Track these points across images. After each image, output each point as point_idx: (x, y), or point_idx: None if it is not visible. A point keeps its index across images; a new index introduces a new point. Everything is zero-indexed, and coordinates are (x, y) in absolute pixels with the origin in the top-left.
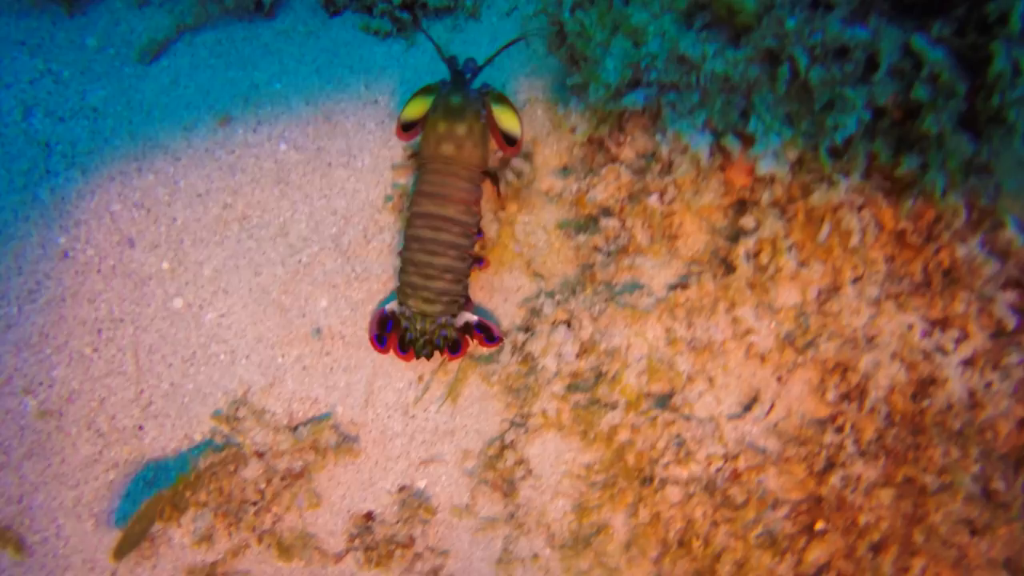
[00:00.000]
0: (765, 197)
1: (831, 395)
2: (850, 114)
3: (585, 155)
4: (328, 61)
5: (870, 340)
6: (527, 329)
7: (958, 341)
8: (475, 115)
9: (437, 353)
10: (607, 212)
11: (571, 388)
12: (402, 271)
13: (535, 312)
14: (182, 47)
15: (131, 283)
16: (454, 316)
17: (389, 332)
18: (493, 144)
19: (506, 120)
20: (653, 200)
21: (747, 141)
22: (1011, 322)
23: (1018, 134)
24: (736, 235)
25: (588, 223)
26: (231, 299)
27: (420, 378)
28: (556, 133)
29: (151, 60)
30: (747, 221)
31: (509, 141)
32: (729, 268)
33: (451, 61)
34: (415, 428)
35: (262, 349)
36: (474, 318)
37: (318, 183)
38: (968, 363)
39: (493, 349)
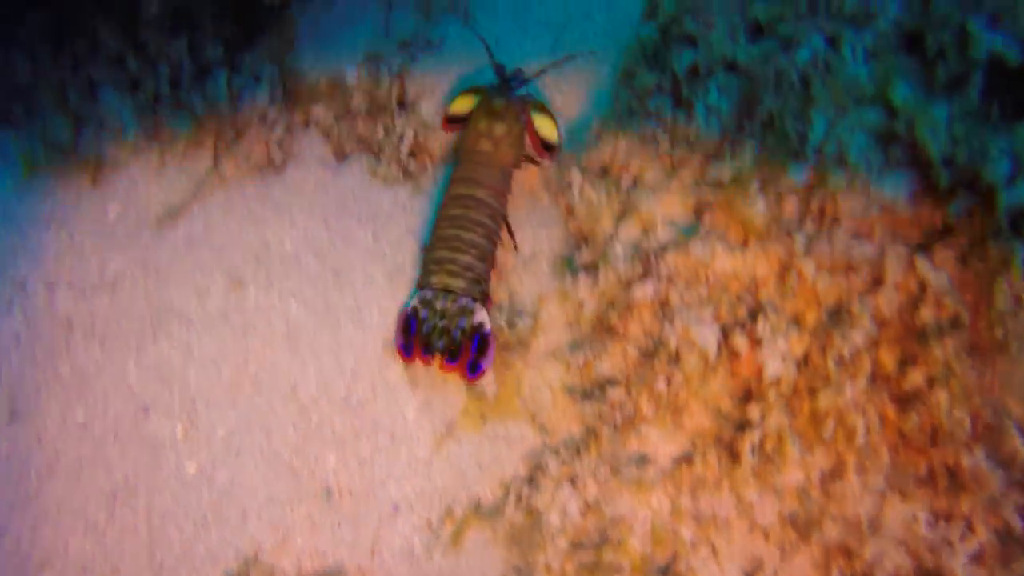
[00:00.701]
0: (772, 394)
1: None
2: (857, 328)
3: (593, 327)
4: (337, 213)
5: (874, 527)
6: (531, 481)
7: (963, 537)
8: (515, 119)
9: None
10: (613, 383)
11: (575, 546)
12: (429, 249)
13: (539, 467)
14: (197, 209)
15: (145, 450)
16: (475, 301)
17: (413, 336)
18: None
19: (545, 128)
20: (660, 385)
21: (755, 341)
22: (1019, 526)
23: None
24: (742, 423)
25: (594, 389)
26: (243, 461)
27: (428, 524)
28: (562, 294)
29: (168, 225)
30: (753, 412)
31: (547, 147)
32: (734, 455)
33: (499, 68)
34: (421, 573)
35: (273, 508)
36: (488, 325)
37: (327, 341)
38: (976, 559)
39: (470, 383)
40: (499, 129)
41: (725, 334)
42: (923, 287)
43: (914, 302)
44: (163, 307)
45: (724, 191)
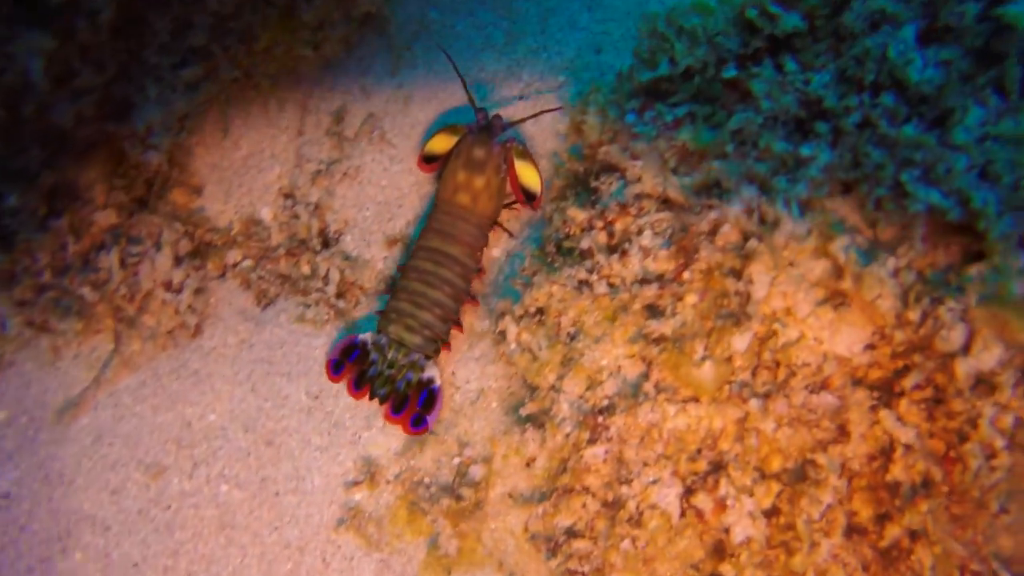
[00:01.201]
0: (744, 554)
1: None
2: (824, 487)
3: (547, 480)
4: (264, 372)
5: None
6: None
7: None
8: (495, 170)
9: (385, 404)
10: (577, 534)
11: None
12: (392, 297)
13: None
14: (102, 399)
15: None
16: (427, 359)
17: (350, 363)
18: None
19: (527, 176)
20: (626, 544)
21: (720, 503)
22: None
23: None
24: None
25: (558, 537)
26: None
27: None
28: (513, 441)
29: (69, 421)
30: (727, 571)
31: (529, 196)
32: None
33: (481, 112)
34: None
35: None
36: (437, 381)
37: (267, 517)
38: None
39: (412, 435)
40: (479, 182)
41: (688, 491)
42: (891, 441)
43: (884, 453)
44: (72, 515)
45: (667, 351)
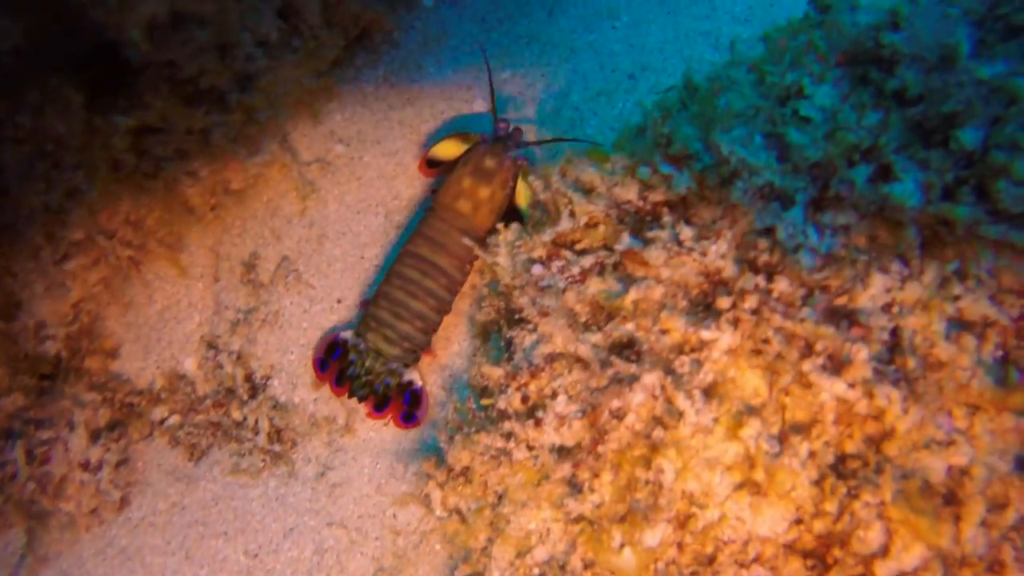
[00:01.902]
0: None
1: None
2: None
3: None
4: (199, 536)
5: None
6: None
7: None
8: (502, 184)
9: (365, 404)
10: None
11: None
12: (373, 303)
13: None
14: None
15: None
16: (406, 367)
17: (334, 361)
18: None
19: (524, 197)
20: None
21: None
22: None
23: None
24: None
25: None
26: None
27: None
28: None
29: None
30: None
31: (516, 216)
32: None
33: (500, 122)
34: None
35: None
36: (419, 382)
37: None
38: None
39: (405, 430)
40: (483, 192)
41: None
42: None
43: None
44: None
45: (587, 532)
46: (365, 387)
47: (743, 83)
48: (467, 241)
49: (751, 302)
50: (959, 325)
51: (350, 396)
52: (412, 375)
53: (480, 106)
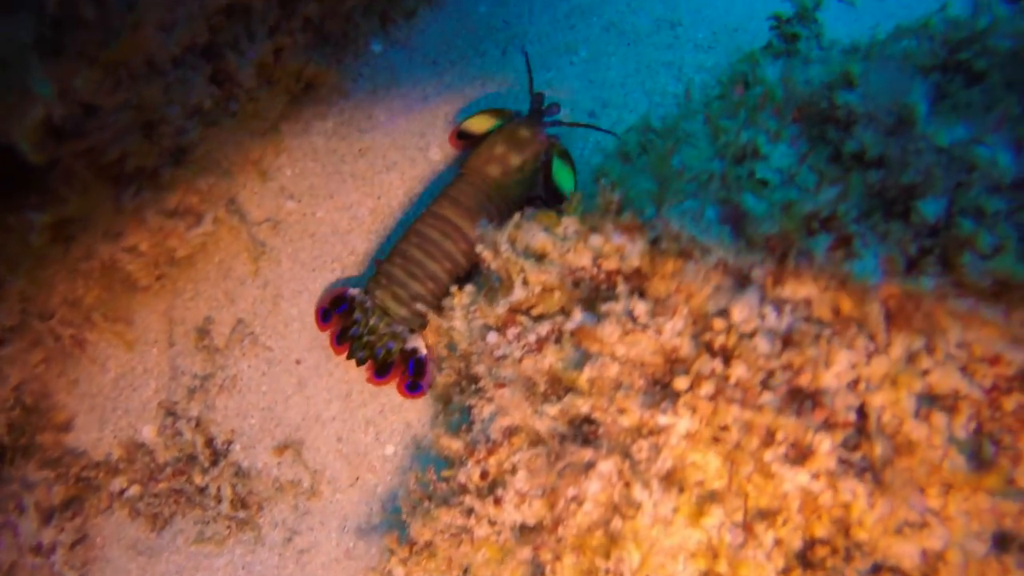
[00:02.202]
0: None
1: None
2: None
3: None
4: None
5: None
6: None
7: None
8: (534, 155)
9: (366, 369)
10: None
11: None
12: (387, 259)
13: None
14: None
15: None
16: (411, 332)
17: (338, 315)
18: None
19: (562, 177)
20: None
21: None
22: None
23: None
24: None
25: None
26: None
27: None
28: None
29: None
30: None
31: (557, 196)
32: None
33: (537, 96)
34: None
35: None
36: (424, 350)
37: None
38: None
39: (409, 399)
40: (515, 160)
41: None
42: None
43: None
44: None
45: None
46: (365, 348)
47: (699, 136)
48: (492, 209)
49: (708, 388)
50: (929, 400)
51: (349, 357)
52: (417, 342)
53: (436, 153)
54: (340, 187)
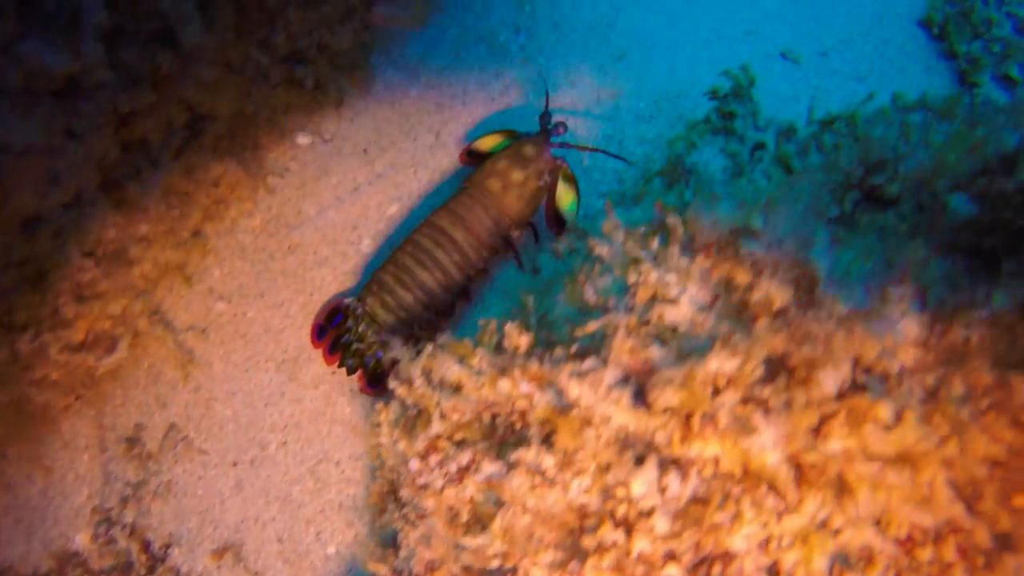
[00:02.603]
0: None
1: None
2: None
3: None
4: None
5: None
6: None
7: None
8: (536, 173)
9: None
10: None
11: None
12: (381, 267)
13: None
14: None
15: None
16: (399, 340)
17: (333, 328)
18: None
19: (565, 200)
20: None
21: None
22: None
23: None
24: None
25: None
26: None
27: None
28: None
29: None
30: None
31: (559, 221)
32: None
33: (545, 116)
34: None
35: None
36: None
37: None
38: None
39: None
40: (517, 175)
41: None
42: None
43: None
44: None
45: None
46: (355, 356)
47: (615, 259)
48: (490, 224)
49: (610, 559)
50: (843, 559)
51: (340, 365)
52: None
53: (368, 246)
54: (270, 285)
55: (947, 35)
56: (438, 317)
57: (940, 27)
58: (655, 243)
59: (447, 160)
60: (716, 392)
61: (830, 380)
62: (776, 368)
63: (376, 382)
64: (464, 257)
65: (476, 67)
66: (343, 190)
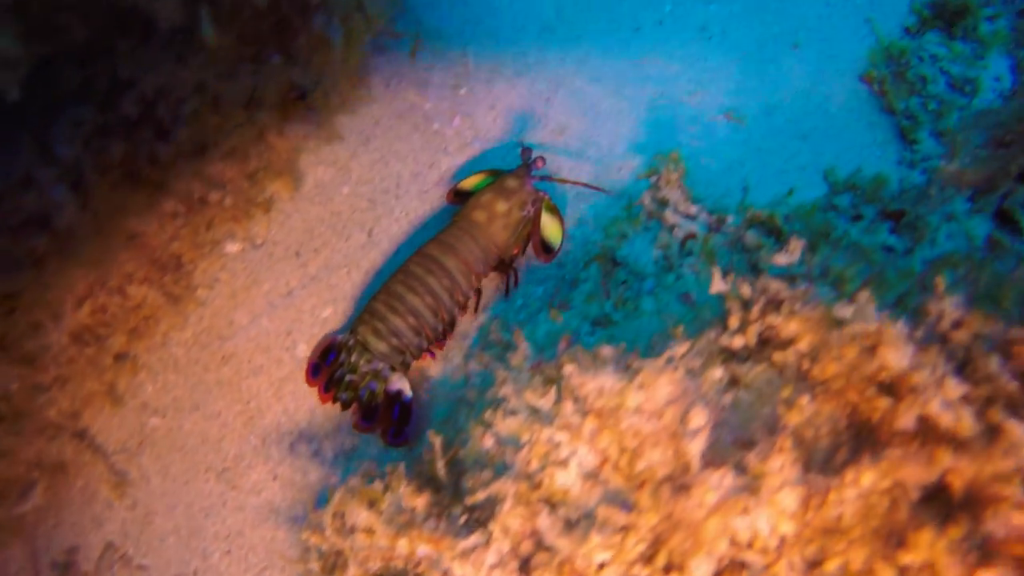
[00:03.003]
0: None
1: None
2: None
3: None
4: None
5: None
6: None
7: None
8: (519, 204)
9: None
10: None
11: None
12: (373, 296)
13: None
14: None
15: None
16: (392, 371)
17: (327, 365)
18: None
19: (550, 229)
20: None
21: None
22: None
23: None
24: None
25: None
26: None
27: None
28: None
29: None
30: None
31: (546, 248)
32: None
33: (525, 152)
34: None
35: None
36: (408, 393)
37: None
38: None
39: (393, 447)
40: (501, 206)
41: None
42: None
43: None
44: None
45: None
46: (349, 389)
47: (520, 406)
48: (478, 252)
49: None
50: None
51: (334, 400)
52: (401, 384)
53: (303, 351)
54: (205, 397)
55: (886, 92)
56: (430, 345)
57: (879, 83)
58: (551, 395)
59: (380, 258)
60: (600, 567)
61: (703, 569)
62: (659, 543)
63: (371, 417)
64: (453, 282)
65: (410, 158)
66: (276, 295)
